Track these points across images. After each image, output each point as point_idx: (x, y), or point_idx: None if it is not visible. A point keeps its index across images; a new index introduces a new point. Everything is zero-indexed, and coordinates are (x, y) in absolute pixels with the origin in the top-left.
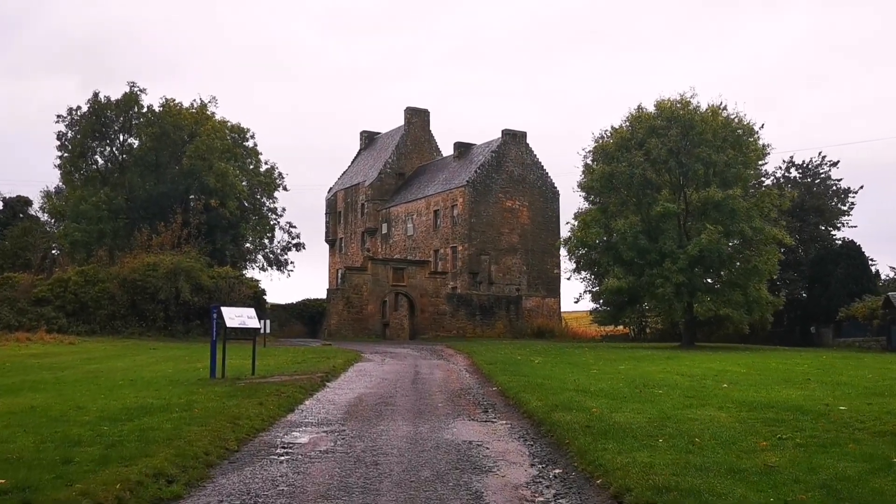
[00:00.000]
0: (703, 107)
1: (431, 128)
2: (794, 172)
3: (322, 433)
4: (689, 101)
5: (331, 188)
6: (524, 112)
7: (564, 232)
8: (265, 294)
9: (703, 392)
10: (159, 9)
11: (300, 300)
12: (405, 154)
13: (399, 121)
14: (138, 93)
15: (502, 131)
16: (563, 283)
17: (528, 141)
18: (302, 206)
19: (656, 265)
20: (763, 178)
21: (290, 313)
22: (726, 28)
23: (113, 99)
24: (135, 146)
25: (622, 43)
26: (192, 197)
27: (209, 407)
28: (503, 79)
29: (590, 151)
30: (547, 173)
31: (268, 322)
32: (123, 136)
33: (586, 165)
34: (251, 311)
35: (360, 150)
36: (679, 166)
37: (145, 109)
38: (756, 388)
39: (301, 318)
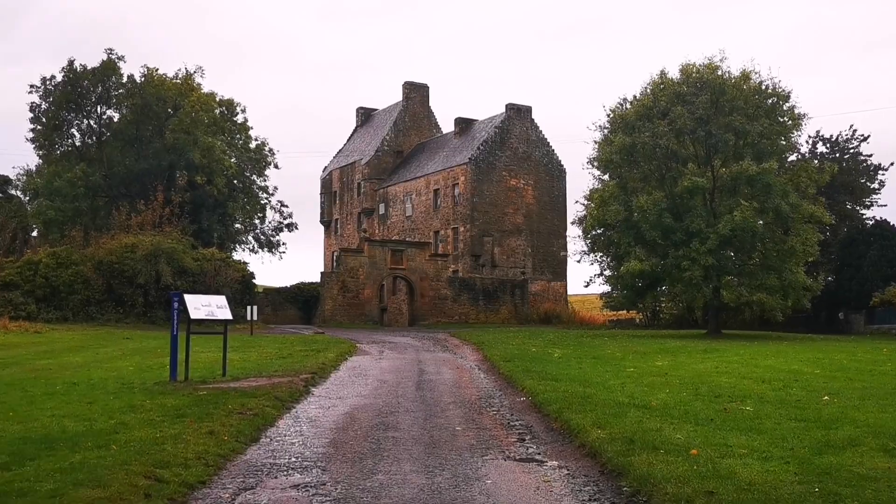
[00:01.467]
0: (734, 72)
1: (431, 104)
2: (821, 147)
3: (290, 492)
4: (718, 66)
5: (326, 167)
6: (529, 89)
7: (573, 212)
8: (254, 278)
9: (816, 412)
10: None
11: (294, 284)
12: (403, 131)
13: (397, 97)
14: (116, 60)
15: (506, 105)
16: (570, 266)
17: (533, 116)
18: (296, 186)
19: (682, 245)
20: (788, 154)
21: (284, 297)
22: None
23: (90, 67)
24: (114, 119)
25: (630, 21)
26: (176, 174)
27: (135, 440)
28: (506, 57)
29: (605, 124)
30: (553, 150)
31: (255, 309)
32: (101, 107)
33: (604, 137)
34: (221, 300)
35: (356, 128)
36: (708, 137)
37: (125, 79)
38: (881, 405)
39: (295, 303)
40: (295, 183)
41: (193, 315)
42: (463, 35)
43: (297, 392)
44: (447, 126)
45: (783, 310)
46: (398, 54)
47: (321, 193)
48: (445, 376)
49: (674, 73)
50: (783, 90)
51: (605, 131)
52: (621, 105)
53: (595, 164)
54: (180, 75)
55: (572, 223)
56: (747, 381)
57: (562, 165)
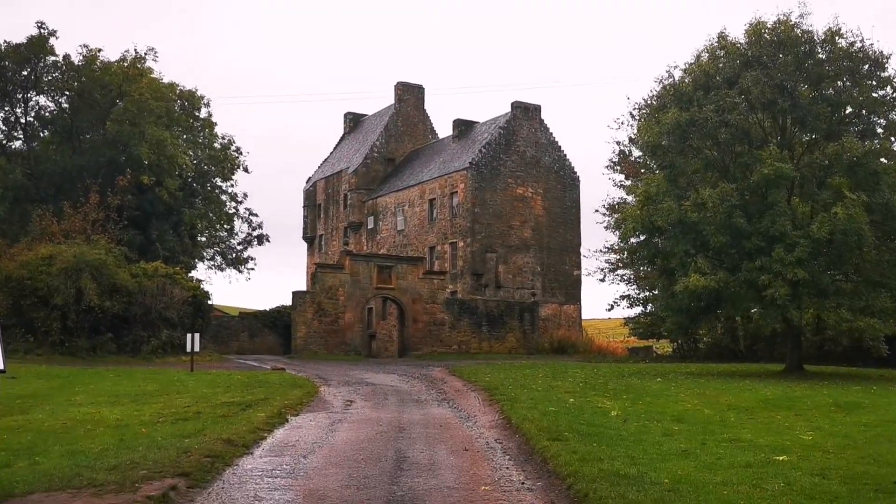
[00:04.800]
0: (818, 29)
1: (427, 107)
2: None
3: None
4: (796, 24)
5: (309, 178)
6: (536, 91)
7: (587, 224)
8: (209, 298)
9: None
10: None
11: (274, 308)
12: (395, 136)
13: (390, 101)
14: (48, 36)
15: (512, 104)
16: (584, 287)
17: (542, 116)
18: (277, 199)
19: (759, 254)
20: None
21: (262, 322)
22: None
23: (14, 43)
24: (45, 108)
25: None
26: (116, 174)
27: None
28: (510, 55)
29: (649, 101)
30: (565, 155)
31: (196, 337)
32: (29, 93)
33: (647, 115)
34: None
35: (343, 135)
36: (793, 109)
37: (60, 60)
38: None
39: (274, 328)
40: (274, 197)
41: None
42: (461, 32)
43: None
44: (444, 131)
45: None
46: (390, 53)
47: (304, 206)
48: (445, 479)
49: (736, 35)
50: (879, 53)
51: (643, 114)
52: (669, 74)
53: (640, 148)
54: (128, 58)
55: (604, 224)
56: None
57: (574, 172)
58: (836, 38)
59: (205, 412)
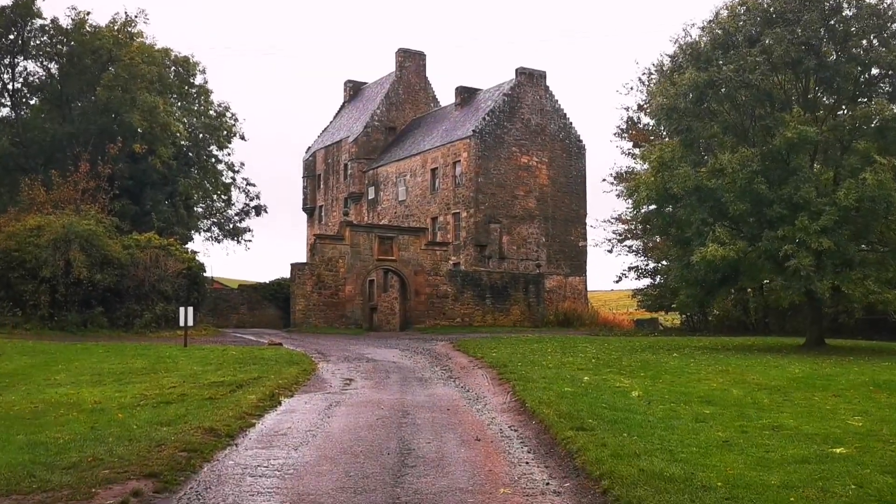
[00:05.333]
0: None
1: (428, 74)
2: None
3: None
4: None
5: (309, 147)
6: (540, 58)
7: (594, 194)
8: (204, 270)
9: None
10: None
11: (274, 280)
12: (396, 104)
13: (391, 68)
14: None
15: (516, 70)
16: (589, 258)
17: (547, 83)
18: (277, 170)
19: (781, 223)
20: None
21: (262, 295)
22: None
23: (0, 6)
24: (33, 73)
25: None
26: (107, 141)
27: None
28: (513, 20)
29: (661, 65)
30: (571, 123)
31: (190, 311)
32: (16, 58)
33: (661, 77)
34: None
35: (343, 103)
36: (819, 69)
37: (48, 23)
38: None
39: (275, 301)
40: (275, 167)
41: None
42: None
43: None
44: (447, 99)
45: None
46: (391, 19)
47: (303, 177)
48: (457, 478)
49: None
50: None
51: (654, 78)
52: (686, 33)
53: (651, 114)
54: (118, 21)
55: (612, 192)
56: None
57: (580, 141)
58: None
59: (190, 394)
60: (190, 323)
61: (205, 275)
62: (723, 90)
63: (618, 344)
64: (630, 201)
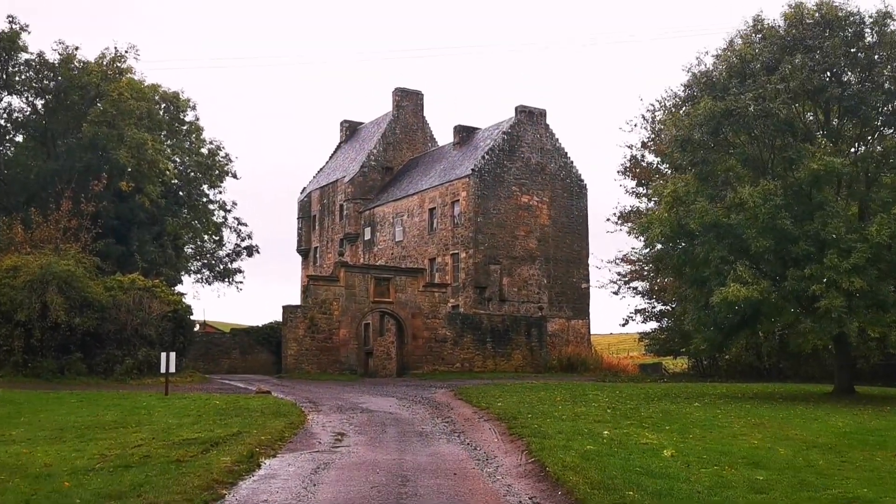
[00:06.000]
0: (865, 11)
1: (426, 113)
2: None
3: None
4: (839, 7)
5: (304, 188)
6: (540, 97)
7: (597, 234)
8: (191, 313)
9: None
10: None
11: (267, 324)
12: (394, 144)
13: (387, 108)
14: (20, 31)
15: (516, 108)
16: (593, 301)
17: (548, 121)
18: (273, 212)
19: (807, 261)
20: None
21: (254, 339)
22: None
23: None
24: (17, 108)
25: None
26: (91, 179)
27: None
28: (512, 60)
29: (666, 100)
30: (572, 162)
31: (172, 356)
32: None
33: (677, 107)
34: None
35: (339, 143)
36: (843, 98)
37: (34, 58)
38: None
39: (268, 345)
40: (270, 209)
41: None
42: (461, 36)
43: None
44: (444, 139)
45: None
46: (388, 59)
47: (298, 218)
48: None
49: (773, 19)
50: None
51: (664, 109)
52: (699, 61)
53: (667, 144)
54: (108, 56)
55: (615, 232)
56: None
57: (582, 180)
58: (887, 20)
59: (156, 455)
60: (172, 369)
61: (192, 318)
62: (742, 120)
63: (630, 391)
64: (641, 239)
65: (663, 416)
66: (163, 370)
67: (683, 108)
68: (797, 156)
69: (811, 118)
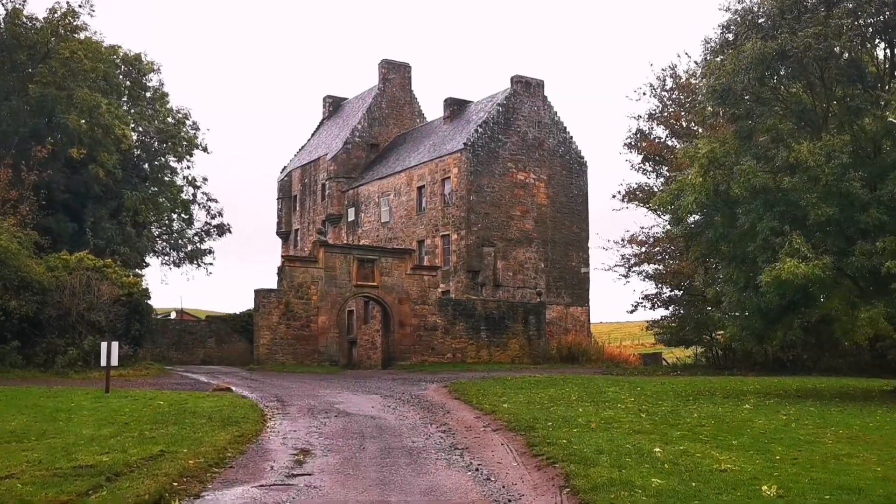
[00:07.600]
0: None
1: (414, 87)
2: None
3: None
4: None
5: (284, 167)
6: (536, 68)
7: (597, 215)
8: (148, 297)
9: None
10: None
11: (244, 311)
12: (379, 120)
13: (373, 81)
14: None
15: (512, 79)
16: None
17: (545, 93)
18: (251, 194)
19: (882, 231)
20: None
21: (231, 327)
22: None
23: None
24: None
25: None
26: (32, 145)
27: None
28: (507, 29)
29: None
30: (571, 137)
31: (113, 347)
32: None
33: (711, 52)
34: None
35: (322, 120)
36: None
37: None
38: None
39: (245, 333)
40: (249, 190)
41: None
42: (452, 5)
43: None
44: (434, 114)
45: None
46: (374, 29)
47: (278, 199)
48: None
49: None
50: None
51: (671, 83)
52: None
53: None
54: (59, 11)
55: (621, 210)
56: None
57: (582, 157)
58: None
59: (18, 494)
60: (115, 362)
61: (149, 302)
62: (799, 64)
63: (651, 388)
64: (664, 214)
65: (717, 425)
66: (103, 363)
67: (720, 57)
68: (865, 105)
69: (883, 60)
